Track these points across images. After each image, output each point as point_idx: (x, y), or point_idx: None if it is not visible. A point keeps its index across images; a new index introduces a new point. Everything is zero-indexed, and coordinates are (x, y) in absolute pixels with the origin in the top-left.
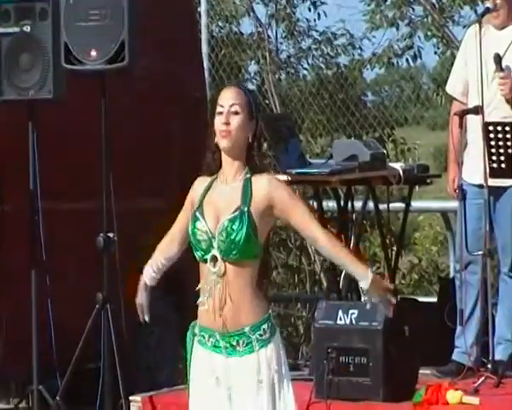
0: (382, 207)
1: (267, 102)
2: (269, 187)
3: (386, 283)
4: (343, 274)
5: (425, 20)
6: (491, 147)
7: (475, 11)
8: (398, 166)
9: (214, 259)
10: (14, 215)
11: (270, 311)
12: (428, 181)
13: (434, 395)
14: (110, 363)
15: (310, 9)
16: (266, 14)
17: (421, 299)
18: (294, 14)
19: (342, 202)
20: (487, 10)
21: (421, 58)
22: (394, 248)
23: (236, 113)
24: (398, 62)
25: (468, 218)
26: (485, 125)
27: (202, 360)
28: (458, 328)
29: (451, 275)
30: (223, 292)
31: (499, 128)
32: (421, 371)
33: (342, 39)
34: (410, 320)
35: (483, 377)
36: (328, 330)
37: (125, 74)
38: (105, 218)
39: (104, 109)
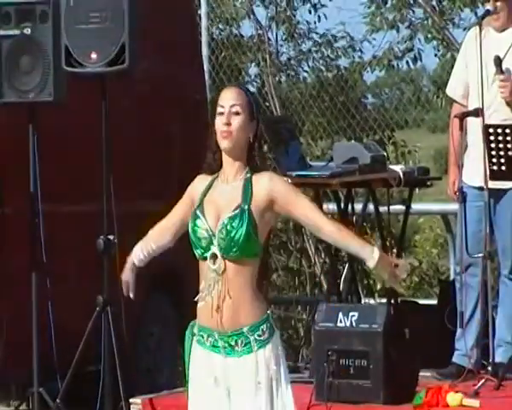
0: (383, 209)
1: (267, 104)
2: (269, 183)
3: (394, 258)
4: (343, 277)
5: (425, 22)
6: (492, 149)
7: (475, 13)
8: (398, 168)
9: (214, 256)
10: (15, 217)
11: (269, 312)
12: (429, 183)
13: (435, 398)
14: (110, 365)
15: (310, 12)
16: (266, 16)
17: (421, 301)
18: (295, 16)
19: (342, 205)
20: (487, 13)
21: (421, 60)
22: (394, 250)
23: (237, 113)
24: (398, 65)
25: (469, 220)
26: (486, 127)
27: (201, 360)
28: (458, 330)
29: (452, 277)
30: (222, 290)
31: (499, 130)
32: (421, 374)
33: (342, 42)
34: (411, 323)
35: (483, 380)
36: (328, 333)
37: (126, 77)
38: (105, 220)
39: (104, 112)
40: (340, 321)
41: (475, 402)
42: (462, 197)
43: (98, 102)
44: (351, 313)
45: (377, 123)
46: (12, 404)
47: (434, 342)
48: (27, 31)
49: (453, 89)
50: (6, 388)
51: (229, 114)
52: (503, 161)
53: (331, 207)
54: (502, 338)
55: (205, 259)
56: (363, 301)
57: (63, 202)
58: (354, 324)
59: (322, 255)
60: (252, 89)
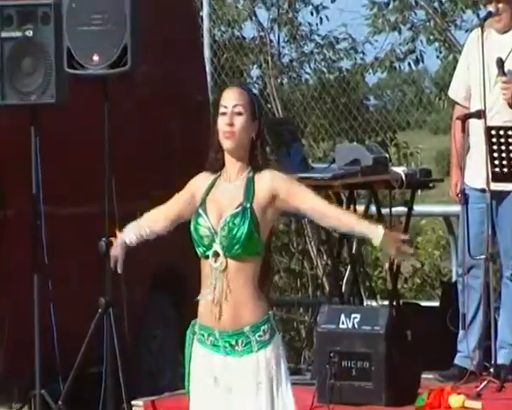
0: (385, 211)
1: (269, 106)
2: (271, 179)
3: (399, 234)
4: (345, 279)
5: (427, 24)
6: (494, 151)
7: (477, 15)
8: (400, 170)
9: (216, 254)
10: (17, 219)
11: (270, 312)
12: (431, 185)
13: (437, 400)
14: (112, 367)
15: (312, 14)
16: (268, 18)
17: (423, 303)
18: (297, 18)
19: (344, 207)
20: (489, 14)
21: (423, 62)
22: None
23: (240, 113)
24: (400, 66)
25: (471, 222)
26: (488, 129)
27: (201, 359)
28: (461, 332)
29: (454, 279)
30: (224, 288)
31: (501, 132)
32: (423, 376)
33: (344, 43)
34: (413, 325)
35: (485, 382)
36: (330, 335)
37: (128, 79)
38: (107, 222)
39: (107, 114)
40: (342, 323)
41: (477, 404)
42: (464, 199)
43: (100, 104)
44: (353, 315)
45: (379, 125)
46: (14, 406)
47: (436, 344)
48: (29, 33)
49: (455, 91)
50: (8, 390)
51: (231, 114)
52: (505, 162)
53: None
54: (504, 340)
55: (207, 257)
56: (365, 303)
57: (65, 203)
58: (356, 326)
59: (325, 257)
60: (254, 91)
